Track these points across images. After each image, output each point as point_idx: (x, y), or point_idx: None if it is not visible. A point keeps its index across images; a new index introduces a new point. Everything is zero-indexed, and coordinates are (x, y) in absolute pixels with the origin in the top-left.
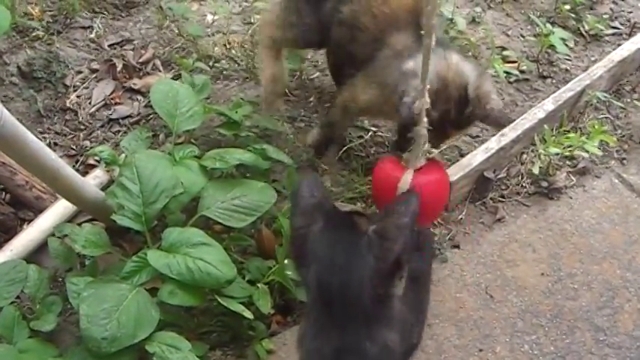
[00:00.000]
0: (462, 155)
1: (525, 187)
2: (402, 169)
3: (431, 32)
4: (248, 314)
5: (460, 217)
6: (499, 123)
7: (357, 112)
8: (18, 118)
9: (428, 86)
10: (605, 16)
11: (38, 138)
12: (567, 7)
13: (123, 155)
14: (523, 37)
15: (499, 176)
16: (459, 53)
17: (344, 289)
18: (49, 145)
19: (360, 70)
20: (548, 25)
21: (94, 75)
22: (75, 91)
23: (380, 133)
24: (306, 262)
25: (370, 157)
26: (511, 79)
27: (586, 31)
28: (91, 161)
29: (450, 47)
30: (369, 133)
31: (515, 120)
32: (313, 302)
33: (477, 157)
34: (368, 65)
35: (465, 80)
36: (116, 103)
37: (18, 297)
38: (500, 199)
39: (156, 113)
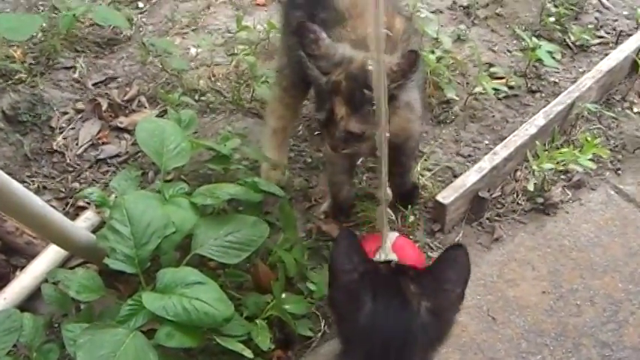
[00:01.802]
0: (456, 176)
1: (521, 204)
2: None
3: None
4: (248, 353)
5: (457, 238)
6: (411, 62)
7: None
8: (5, 164)
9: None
10: (590, 26)
11: (26, 182)
12: (552, 19)
13: (113, 196)
14: (510, 52)
15: (494, 195)
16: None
17: None
18: (37, 188)
19: None
20: (534, 39)
21: (80, 115)
22: (61, 132)
23: None
24: (354, 334)
25: None
26: (500, 96)
27: (572, 42)
28: (82, 203)
29: None
30: None
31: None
32: None
33: (470, 177)
34: None
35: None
36: (103, 143)
37: (14, 346)
38: (497, 218)
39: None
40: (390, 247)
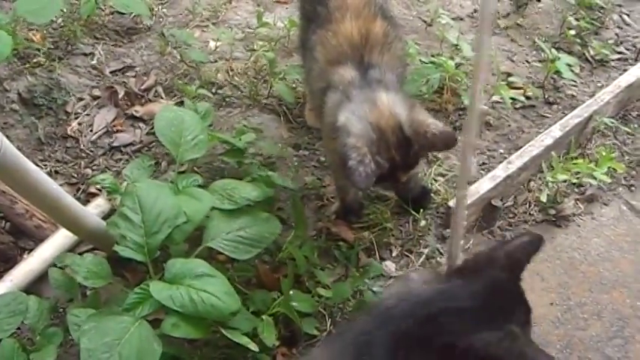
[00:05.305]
0: (469, 183)
1: (533, 214)
2: None
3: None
4: (253, 347)
5: (467, 246)
6: (448, 143)
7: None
8: (18, 146)
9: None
10: (610, 42)
11: (39, 166)
12: (572, 32)
13: (125, 184)
14: (528, 62)
15: (506, 204)
16: (386, 88)
17: None
18: (49, 173)
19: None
20: (554, 51)
21: (96, 102)
22: (76, 118)
23: None
24: None
25: None
26: (517, 106)
27: (592, 57)
28: (93, 189)
29: (380, 84)
30: None
31: (522, 146)
32: None
33: (483, 185)
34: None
35: (398, 120)
36: (118, 131)
37: (18, 328)
38: (508, 227)
39: (158, 141)
40: None
